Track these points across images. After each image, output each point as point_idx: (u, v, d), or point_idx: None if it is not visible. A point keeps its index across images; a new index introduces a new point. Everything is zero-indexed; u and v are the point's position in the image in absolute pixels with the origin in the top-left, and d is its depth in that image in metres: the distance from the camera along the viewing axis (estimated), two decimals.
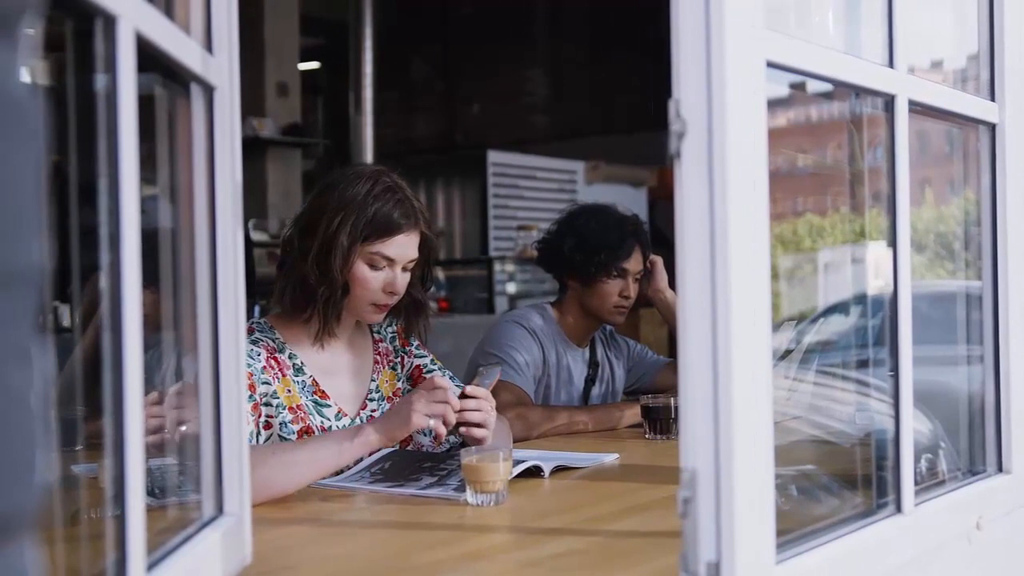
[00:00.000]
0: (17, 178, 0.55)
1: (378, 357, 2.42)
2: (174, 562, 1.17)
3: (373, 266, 2.24)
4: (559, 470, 2.22)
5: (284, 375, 2.22)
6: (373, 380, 2.38)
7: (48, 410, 0.59)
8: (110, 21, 1.00)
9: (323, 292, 2.21)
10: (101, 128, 1.01)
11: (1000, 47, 1.84)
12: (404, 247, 2.25)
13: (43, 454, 0.59)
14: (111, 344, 1.00)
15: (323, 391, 2.27)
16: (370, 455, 2.17)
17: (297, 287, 2.24)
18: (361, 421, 2.29)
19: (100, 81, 1.02)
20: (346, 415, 2.29)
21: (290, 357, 2.26)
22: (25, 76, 0.59)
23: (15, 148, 0.54)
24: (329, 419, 2.25)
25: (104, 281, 1.00)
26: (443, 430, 2.07)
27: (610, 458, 2.40)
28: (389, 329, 2.47)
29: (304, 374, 2.25)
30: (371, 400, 2.36)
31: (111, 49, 1.01)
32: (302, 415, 2.20)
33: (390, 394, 2.40)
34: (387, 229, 2.22)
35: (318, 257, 2.20)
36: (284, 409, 2.18)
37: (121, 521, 1.00)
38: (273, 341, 2.25)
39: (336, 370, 2.32)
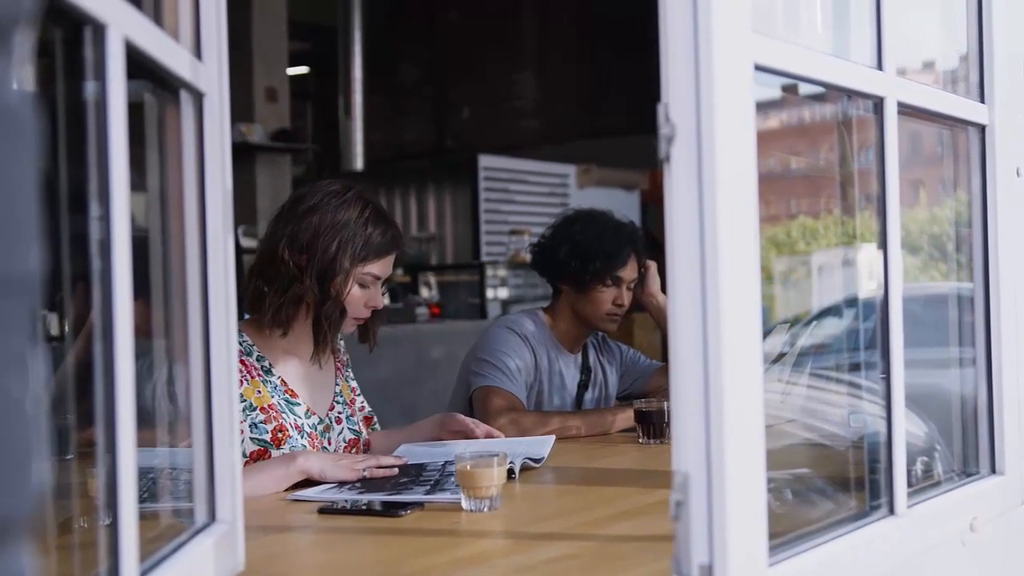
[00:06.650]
0: (14, 185, 0.55)
1: (339, 365, 2.54)
2: (167, 569, 1.16)
3: (362, 285, 2.35)
4: (526, 469, 2.26)
5: (253, 377, 2.31)
6: (337, 384, 2.51)
7: (43, 416, 0.60)
8: (99, 29, 1.00)
9: (327, 312, 2.31)
10: (91, 135, 1.01)
11: (989, 49, 1.85)
12: (390, 266, 2.41)
13: (39, 460, 0.60)
14: (102, 352, 1.00)
15: (292, 390, 2.37)
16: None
17: (291, 304, 2.31)
18: (329, 420, 2.42)
19: (89, 88, 1.02)
20: (315, 413, 2.39)
21: (258, 360, 2.34)
22: (19, 84, 0.59)
23: (11, 156, 0.55)
24: (300, 417, 2.35)
25: (95, 288, 1.00)
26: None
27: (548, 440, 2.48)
28: (341, 342, 2.58)
29: (273, 375, 2.34)
30: (337, 402, 2.48)
31: (100, 56, 1.00)
32: (274, 414, 2.30)
33: (348, 400, 2.53)
34: (381, 252, 2.35)
35: (318, 278, 2.29)
36: (254, 410, 2.27)
37: (114, 529, 1.00)
38: (241, 344, 2.31)
39: (304, 374, 2.42)
